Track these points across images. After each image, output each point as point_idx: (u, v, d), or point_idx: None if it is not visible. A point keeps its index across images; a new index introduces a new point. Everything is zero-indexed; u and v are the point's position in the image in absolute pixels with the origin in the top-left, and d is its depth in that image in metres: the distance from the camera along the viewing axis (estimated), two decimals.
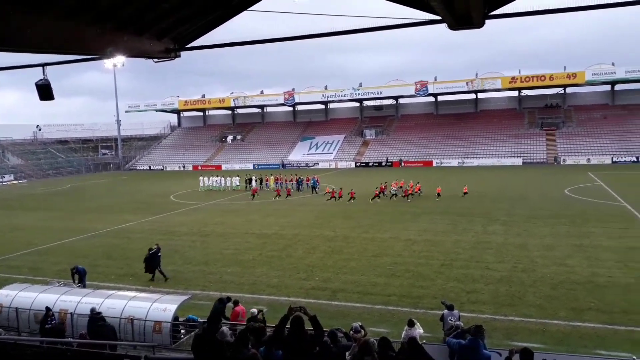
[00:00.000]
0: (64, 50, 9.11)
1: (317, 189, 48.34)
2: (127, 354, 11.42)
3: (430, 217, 32.32)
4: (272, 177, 53.44)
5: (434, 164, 77.39)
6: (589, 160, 70.23)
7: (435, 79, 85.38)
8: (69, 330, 13.85)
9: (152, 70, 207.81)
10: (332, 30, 10.44)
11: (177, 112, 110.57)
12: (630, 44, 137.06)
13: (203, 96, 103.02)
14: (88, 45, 8.98)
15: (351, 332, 9.21)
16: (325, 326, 7.91)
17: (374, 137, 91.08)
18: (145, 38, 9.76)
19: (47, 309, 14.04)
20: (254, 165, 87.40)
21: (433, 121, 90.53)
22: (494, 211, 33.74)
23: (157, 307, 14.53)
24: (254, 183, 50.60)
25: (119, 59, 44.67)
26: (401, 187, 42.67)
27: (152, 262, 20.47)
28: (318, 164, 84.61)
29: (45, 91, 9.88)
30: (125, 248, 26.85)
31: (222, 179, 54.92)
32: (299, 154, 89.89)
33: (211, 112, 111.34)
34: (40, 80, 9.82)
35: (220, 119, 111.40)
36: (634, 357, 10.53)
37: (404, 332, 11.68)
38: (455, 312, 12.80)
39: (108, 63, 78.22)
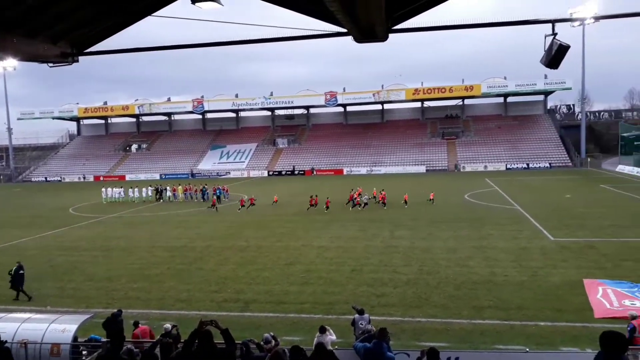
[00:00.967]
0: None
1: (221, 199, 47.05)
2: None
3: (341, 224, 32.96)
4: (180, 187, 51.85)
5: (345, 172, 79.20)
6: (485, 167, 75.39)
7: (344, 89, 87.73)
8: None
9: (48, 76, 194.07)
10: (241, 39, 10.37)
11: (76, 119, 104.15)
12: (519, 60, 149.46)
13: (105, 103, 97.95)
14: None
15: (262, 342, 9.12)
16: (237, 338, 7.75)
17: (286, 145, 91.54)
18: (39, 41, 9.09)
19: None
20: (160, 175, 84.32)
21: (343, 130, 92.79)
22: (400, 216, 35.11)
23: (55, 328, 13.44)
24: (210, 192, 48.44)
25: (10, 63, 41.25)
26: (374, 196, 42.48)
27: (16, 280, 19.23)
28: (229, 173, 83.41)
29: None
30: None
31: (132, 190, 52.26)
32: (209, 163, 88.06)
33: (114, 120, 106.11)
34: None
35: (124, 127, 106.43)
36: (527, 349, 11.39)
37: (315, 338, 11.74)
38: (366, 316, 13.10)
39: None
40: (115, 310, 14.33)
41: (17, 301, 19.08)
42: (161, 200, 50.26)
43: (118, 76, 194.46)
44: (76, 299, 19.20)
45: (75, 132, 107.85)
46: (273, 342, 9.30)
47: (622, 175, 61.45)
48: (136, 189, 51.91)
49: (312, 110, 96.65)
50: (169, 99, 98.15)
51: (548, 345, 13.55)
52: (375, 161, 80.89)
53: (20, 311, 16.51)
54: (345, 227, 31.76)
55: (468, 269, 21.30)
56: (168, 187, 51.91)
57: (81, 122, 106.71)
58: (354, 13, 6.99)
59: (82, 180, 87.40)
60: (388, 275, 20.84)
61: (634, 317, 12.15)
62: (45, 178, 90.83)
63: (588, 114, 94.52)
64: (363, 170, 78.85)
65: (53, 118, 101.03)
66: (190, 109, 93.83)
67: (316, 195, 40.92)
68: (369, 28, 8.11)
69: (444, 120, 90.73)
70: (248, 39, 10.31)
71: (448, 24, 10.25)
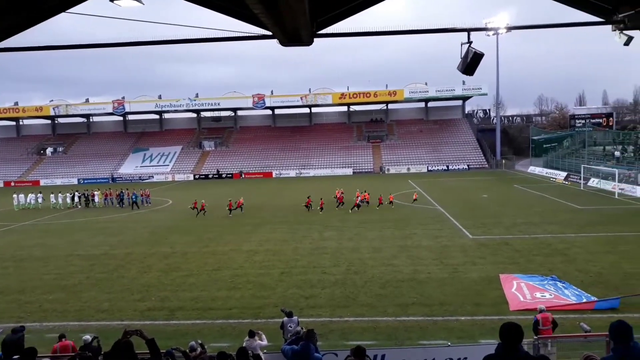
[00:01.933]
0: None
1: (138, 204, 45.36)
2: None
3: (271, 227, 32.84)
4: (98, 192, 49.41)
5: (274, 175, 78.99)
6: (409, 169, 78.03)
7: (272, 92, 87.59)
8: None
9: None
10: (165, 39, 10.10)
11: None
12: (439, 66, 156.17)
13: (16, 103, 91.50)
14: None
15: (188, 350, 8.90)
16: (163, 347, 7.52)
17: (213, 148, 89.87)
18: None
19: None
20: (79, 179, 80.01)
21: (271, 133, 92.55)
22: (329, 218, 35.56)
23: None
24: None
25: None
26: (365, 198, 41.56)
27: None
28: (153, 177, 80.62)
29: None
30: None
31: (53, 195, 48.73)
32: (131, 167, 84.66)
33: (26, 122, 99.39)
34: None
35: (37, 129, 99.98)
36: (449, 343, 11.91)
37: (244, 343, 11.63)
38: (295, 318, 13.14)
39: None
40: (18, 325, 13.19)
41: None
42: (88, 206, 47.44)
43: (31, 75, 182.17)
44: None
45: None
46: (199, 349, 9.11)
47: (533, 175, 65.83)
48: (60, 195, 48.55)
49: (239, 113, 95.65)
50: (87, 100, 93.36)
51: (468, 339, 14.24)
52: (304, 164, 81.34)
53: None
54: (275, 230, 31.69)
55: (393, 268, 21.94)
56: (97, 192, 49.14)
57: None
58: (279, 17, 7.03)
59: None
60: (317, 276, 21.03)
61: (541, 311, 13.01)
62: None
63: (502, 118, 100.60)
64: (292, 173, 79.05)
65: None
66: (110, 110, 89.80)
67: (309, 197, 40.76)
68: (294, 32, 8.18)
69: (370, 124, 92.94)
70: (172, 39, 10.06)
71: (371, 30, 10.55)
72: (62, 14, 8.94)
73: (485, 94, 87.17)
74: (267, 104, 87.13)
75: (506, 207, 38.45)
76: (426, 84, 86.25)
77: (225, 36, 9.74)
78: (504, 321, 4.90)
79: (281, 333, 13.17)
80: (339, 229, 31.28)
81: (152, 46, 10.51)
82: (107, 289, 20.40)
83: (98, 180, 78.36)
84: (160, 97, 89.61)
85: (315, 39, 9.56)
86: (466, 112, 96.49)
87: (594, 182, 50.41)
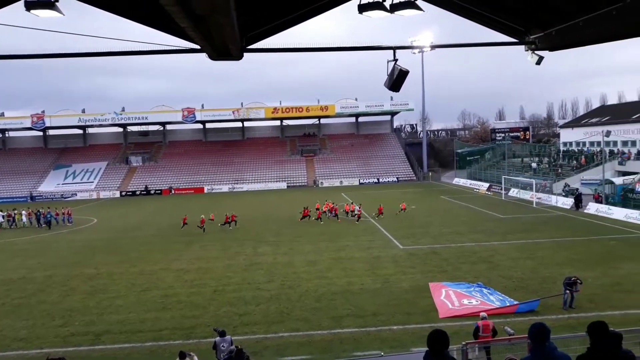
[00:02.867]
0: None
1: (51, 224, 42.69)
2: None
3: (202, 244, 32.08)
4: (25, 212, 46.10)
5: (206, 190, 77.38)
6: (341, 182, 79.12)
7: (203, 106, 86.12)
8: None
9: None
10: (88, 51, 9.73)
11: None
12: (369, 82, 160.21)
13: None
14: None
15: None
16: None
17: (140, 164, 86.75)
18: None
19: None
20: None
21: (202, 148, 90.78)
22: (263, 232, 35.28)
23: None
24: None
25: None
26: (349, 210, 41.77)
27: None
28: (76, 194, 76.58)
29: None
30: None
31: None
32: (52, 185, 79.91)
33: None
34: None
35: None
36: (382, 353, 12.12)
37: None
38: (228, 337, 12.88)
39: None
40: None
41: None
42: (11, 227, 43.94)
43: None
44: None
45: None
46: None
47: (458, 187, 68.76)
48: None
49: (168, 127, 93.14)
50: (2, 114, 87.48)
51: (400, 348, 14.57)
52: (237, 178, 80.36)
53: None
54: (206, 247, 30.99)
55: (327, 280, 22.08)
56: (24, 212, 45.67)
57: None
58: (207, 31, 6.97)
59: None
60: (251, 293, 20.76)
61: (483, 318, 13.49)
62: None
63: (428, 132, 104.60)
64: (225, 188, 77.79)
65: None
66: (28, 125, 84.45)
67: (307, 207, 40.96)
68: (223, 46, 8.13)
69: (303, 138, 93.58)
70: (95, 51, 9.70)
71: (302, 46, 10.70)
72: None
73: (412, 110, 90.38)
74: (198, 118, 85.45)
75: (434, 218, 39.84)
76: (356, 99, 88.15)
77: (153, 49, 9.53)
78: (434, 329, 5.07)
79: (214, 353, 12.86)
80: (273, 244, 31.09)
81: (75, 58, 10.08)
82: (25, 315, 19.07)
83: (15, 200, 73.30)
84: (84, 111, 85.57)
85: (245, 54, 9.56)
86: (395, 127, 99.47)
87: (514, 192, 53.39)
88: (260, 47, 9.33)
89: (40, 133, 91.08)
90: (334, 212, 41.71)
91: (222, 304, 19.40)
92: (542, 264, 23.90)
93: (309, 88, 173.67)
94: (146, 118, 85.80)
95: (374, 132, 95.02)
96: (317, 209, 42.00)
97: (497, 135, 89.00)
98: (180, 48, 9.11)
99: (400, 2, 8.17)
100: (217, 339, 12.79)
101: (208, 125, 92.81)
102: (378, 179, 79.74)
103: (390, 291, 20.34)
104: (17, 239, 37.73)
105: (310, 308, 18.51)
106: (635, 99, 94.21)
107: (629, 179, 43.79)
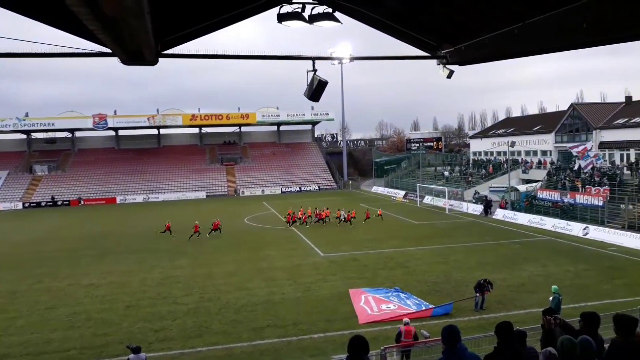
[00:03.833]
0: None
1: None
2: None
3: (115, 257, 30.46)
4: None
5: (118, 201, 73.76)
6: (263, 191, 78.64)
7: (115, 112, 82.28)
8: None
9: None
10: None
11: None
12: (289, 92, 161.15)
13: None
14: None
15: None
16: None
17: (46, 173, 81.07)
18: None
19: None
20: None
21: (115, 156, 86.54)
22: (181, 244, 34.14)
23: None
24: None
25: None
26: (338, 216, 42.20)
27: None
28: None
29: None
30: None
31: None
32: None
33: None
34: None
35: None
36: None
37: None
38: (142, 355, 12.28)
39: None
40: None
41: None
42: None
43: None
44: None
45: None
46: None
47: (377, 194, 70.67)
48: None
49: (77, 134, 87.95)
50: None
51: (321, 356, 14.61)
52: (152, 188, 77.35)
53: None
54: (119, 261, 29.46)
55: (248, 292, 21.75)
56: None
57: None
58: (118, 35, 6.63)
59: None
60: (167, 307, 19.97)
61: (405, 324, 13.79)
62: None
63: (348, 142, 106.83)
64: (139, 198, 74.58)
65: None
66: None
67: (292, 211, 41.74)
68: (136, 51, 7.78)
69: (223, 147, 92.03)
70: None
71: (221, 53, 10.51)
72: None
73: (333, 119, 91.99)
74: (110, 125, 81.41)
75: (354, 225, 40.59)
76: (277, 108, 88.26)
77: (61, 52, 8.95)
78: (353, 335, 5.10)
79: None
80: (191, 256, 30.17)
81: None
82: None
83: None
84: None
85: (160, 59, 9.22)
86: (316, 136, 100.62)
87: (428, 199, 55.74)
88: (176, 52, 9.06)
89: None
90: (318, 217, 42.34)
91: (136, 320, 18.49)
92: (455, 268, 25.06)
93: (229, 96, 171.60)
94: (53, 124, 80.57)
95: (296, 141, 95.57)
96: (303, 214, 42.70)
97: (413, 145, 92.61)
98: (90, 52, 8.62)
99: (318, 13, 8.27)
100: (131, 356, 12.14)
101: (121, 133, 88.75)
102: (300, 188, 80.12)
103: (311, 299, 20.41)
104: None
105: (230, 320, 18.12)
106: (537, 111, 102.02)
107: (531, 186, 47.19)
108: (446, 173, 66.69)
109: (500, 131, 70.31)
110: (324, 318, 17.96)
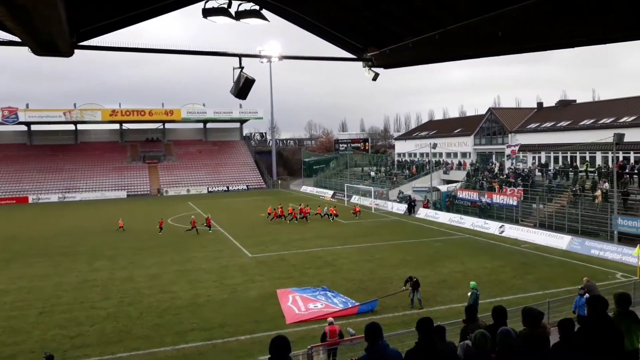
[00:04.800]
0: None
1: None
2: None
3: (26, 261, 28.48)
4: None
5: (30, 200, 69.04)
6: (188, 190, 76.62)
7: (27, 106, 76.95)
8: None
9: None
10: None
11: None
12: (216, 89, 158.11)
13: None
14: None
15: None
16: None
17: None
18: None
19: None
20: None
21: (26, 152, 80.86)
22: (99, 246, 32.53)
23: None
24: None
25: None
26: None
27: None
28: None
29: None
30: None
31: None
32: None
33: None
34: None
35: None
36: None
37: None
38: None
39: None
40: None
41: None
42: None
43: None
44: None
45: None
46: None
47: (306, 194, 71.01)
48: None
49: None
50: None
51: (248, 357, 14.47)
52: (68, 187, 73.09)
53: None
54: (31, 265, 27.58)
55: (172, 295, 21.10)
56: None
57: None
58: (27, 23, 6.14)
59: None
60: (84, 312, 18.96)
61: (330, 323, 13.86)
62: None
63: (277, 141, 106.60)
64: (54, 198, 70.22)
65: None
66: None
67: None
68: (49, 41, 7.27)
69: (145, 144, 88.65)
70: None
71: (143, 46, 10.07)
72: None
73: (261, 118, 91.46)
74: (22, 119, 75.86)
75: (282, 225, 40.55)
76: (204, 105, 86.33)
77: None
78: (276, 335, 5.05)
79: None
80: (111, 258, 28.82)
81: None
82: None
83: None
84: None
85: (77, 50, 8.69)
86: (244, 135, 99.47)
87: (355, 198, 56.76)
88: (94, 44, 8.57)
89: None
90: (303, 214, 43.20)
91: (50, 327, 17.39)
92: (379, 266, 25.70)
93: (153, 92, 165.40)
94: None
95: (223, 139, 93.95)
96: (291, 213, 43.59)
97: (341, 145, 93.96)
98: None
99: (245, 10, 8.14)
100: None
101: (34, 127, 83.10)
102: (228, 187, 78.87)
103: (238, 301, 20.14)
104: None
105: (152, 324, 17.48)
106: (457, 115, 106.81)
107: (452, 186, 49.33)
108: (372, 173, 68.26)
109: (423, 133, 72.96)
110: (251, 319, 17.79)
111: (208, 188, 77.94)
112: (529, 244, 31.00)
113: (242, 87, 9.27)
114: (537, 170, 44.66)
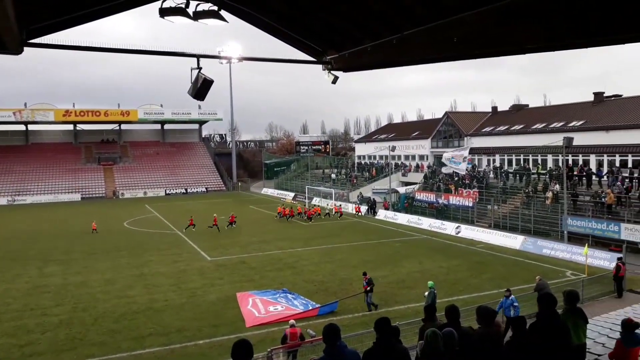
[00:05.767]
0: None
1: None
2: None
3: None
4: None
5: None
6: (145, 193, 74.93)
7: None
8: None
9: None
10: None
11: None
12: (174, 89, 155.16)
13: None
14: None
15: None
16: None
17: None
18: None
19: None
20: None
21: None
22: (51, 250, 31.39)
23: None
24: None
25: None
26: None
27: None
28: None
29: None
30: None
31: None
32: None
33: None
34: None
35: None
36: None
37: None
38: None
39: None
40: None
41: None
42: None
43: None
44: None
45: None
46: None
47: (266, 196, 70.68)
48: None
49: None
50: None
51: None
52: (18, 189, 70.21)
53: None
54: None
55: (128, 299, 20.59)
56: None
57: None
58: None
59: None
60: (35, 319, 18.25)
61: (291, 326, 13.81)
62: None
63: (238, 143, 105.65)
64: (3, 201, 67.28)
65: None
66: None
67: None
68: None
69: (100, 145, 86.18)
70: None
71: (99, 45, 9.81)
72: None
73: (221, 119, 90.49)
74: None
75: (242, 227, 40.22)
76: (162, 105, 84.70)
77: None
78: (240, 338, 5.02)
79: None
80: (63, 263, 27.87)
81: None
82: None
83: None
84: None
85: (26, 48, 8.39)
86: (203, 136, 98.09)
87: (316, 200, 56.88)
88: (44, 42, 8.30)
89: None
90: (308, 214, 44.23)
91: None
92: (340, 267, 25.85)
93: (109, 92, 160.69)
94: None
95: (182, 140, 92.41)
96: (300, 212, 45.00)
97: (302, 147, 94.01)
98: None
99: (203, 10, 8.05)
100: None
101: None
102: (186, 189, 77.60)
103: (197, 305, 19.85)
104: None
105: (108, 330, 17.01)
106: (415, 118, 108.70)
107: (410, 188, 50.17)
108: (333, 175, 68.62)
109: (382, 136, 73.92)
110: (210, 323, 17.56)
111: (166, 190, 76.51)
112: (484, 244, 31.86)
113: (200, 88, 9.16)
114: (491, 172, 45.97)
